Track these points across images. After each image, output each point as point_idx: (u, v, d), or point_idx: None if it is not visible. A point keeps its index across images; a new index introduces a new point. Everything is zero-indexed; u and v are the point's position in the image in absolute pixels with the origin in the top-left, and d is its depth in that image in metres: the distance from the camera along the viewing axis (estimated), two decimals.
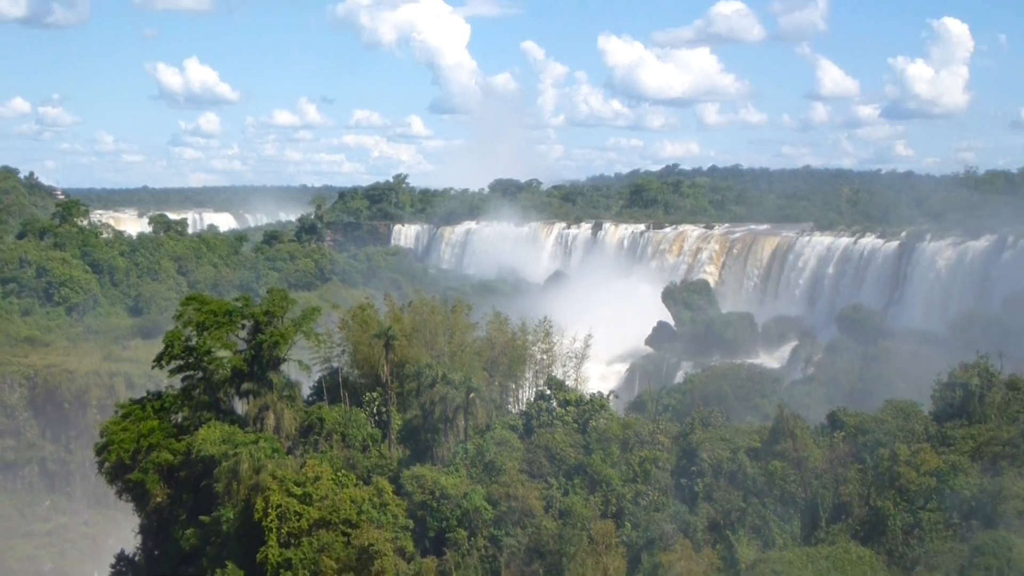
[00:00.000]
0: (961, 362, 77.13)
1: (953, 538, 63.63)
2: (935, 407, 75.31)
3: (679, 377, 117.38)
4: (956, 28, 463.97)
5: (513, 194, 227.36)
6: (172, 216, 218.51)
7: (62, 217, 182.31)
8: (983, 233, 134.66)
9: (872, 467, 67.45)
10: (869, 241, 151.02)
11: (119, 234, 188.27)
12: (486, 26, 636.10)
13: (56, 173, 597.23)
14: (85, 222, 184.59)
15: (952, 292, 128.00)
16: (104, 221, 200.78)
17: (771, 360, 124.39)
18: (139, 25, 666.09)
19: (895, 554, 63.84)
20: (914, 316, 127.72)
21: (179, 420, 69.63)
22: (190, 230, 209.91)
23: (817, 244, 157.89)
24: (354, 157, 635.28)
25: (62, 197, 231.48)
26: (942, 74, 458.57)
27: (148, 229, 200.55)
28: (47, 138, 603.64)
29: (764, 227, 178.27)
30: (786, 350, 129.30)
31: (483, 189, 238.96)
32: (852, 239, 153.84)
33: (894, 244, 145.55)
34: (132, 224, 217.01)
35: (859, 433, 70.23)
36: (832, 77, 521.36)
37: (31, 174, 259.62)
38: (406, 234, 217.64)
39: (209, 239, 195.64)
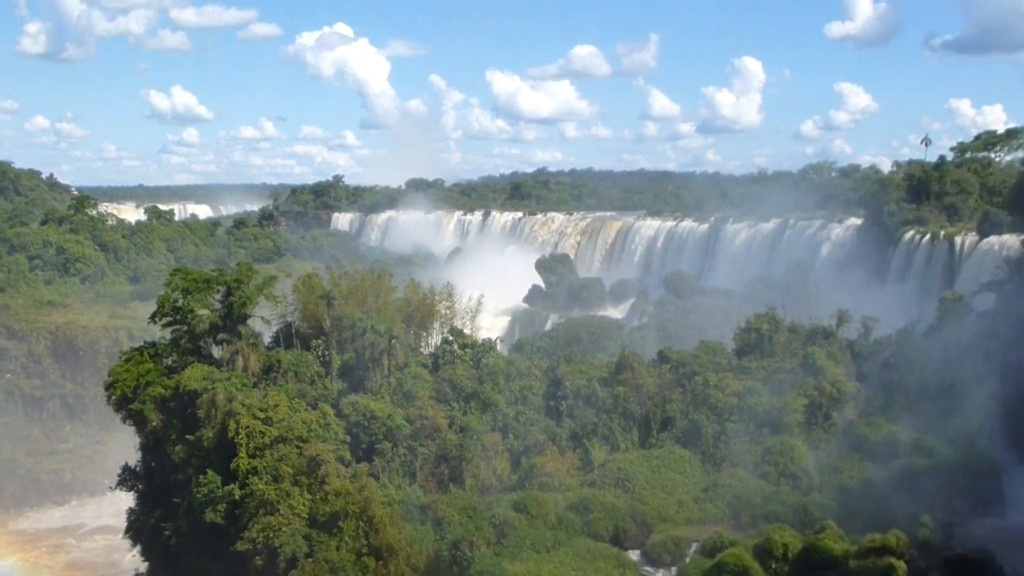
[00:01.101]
0: (755, 313, 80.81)
1: (750, 442, 67.32)
2: (736, 346, 78.61)
3: (548, 326, 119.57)
4: (752, 65, 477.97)
5: (423, 189, 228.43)
6: (162, 207, 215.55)
7: (76, 208, 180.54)
8: (771, 218, 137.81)
9: (690, 390, 70.78)
10: (687, 224, 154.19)
11: (121, 221, 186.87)
12: (402, 63, 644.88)
13: (70, 175, 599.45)
14: (94, 212, 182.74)
15: (748, 261, 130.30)
16: (109, 211, 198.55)
17: (616, 312, 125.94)
18: (135, 60, 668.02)
19: (708, 454, 67.45)
20: (720, 279, 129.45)
21: (169, 363, 70.07)
22: (176, 218, 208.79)
23: (649, 226, 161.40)
24: (302, 162, 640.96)
25: (75, 193, 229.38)
26: (741, 99, 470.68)
27: (143, 217, 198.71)
28: (63, 147, 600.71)
29: (610, 214, 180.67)
30: (627, 305, 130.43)
31: (400, 186, 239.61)
32: (675, 222, 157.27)
33: (705, 226, 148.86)
34: (131, 214, 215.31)
35: (680, 365, 73.50)
36: (660, 102, 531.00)
37: (51, 175, 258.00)
38: (342, 220, 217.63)
39: (191, 225, 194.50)
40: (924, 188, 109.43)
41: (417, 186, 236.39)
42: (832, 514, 57.13)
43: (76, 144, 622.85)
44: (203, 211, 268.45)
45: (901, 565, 49.05)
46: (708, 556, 54.40)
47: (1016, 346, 67.73)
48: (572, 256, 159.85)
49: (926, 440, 65.05)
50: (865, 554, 50.06)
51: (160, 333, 73.61)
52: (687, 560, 55.76)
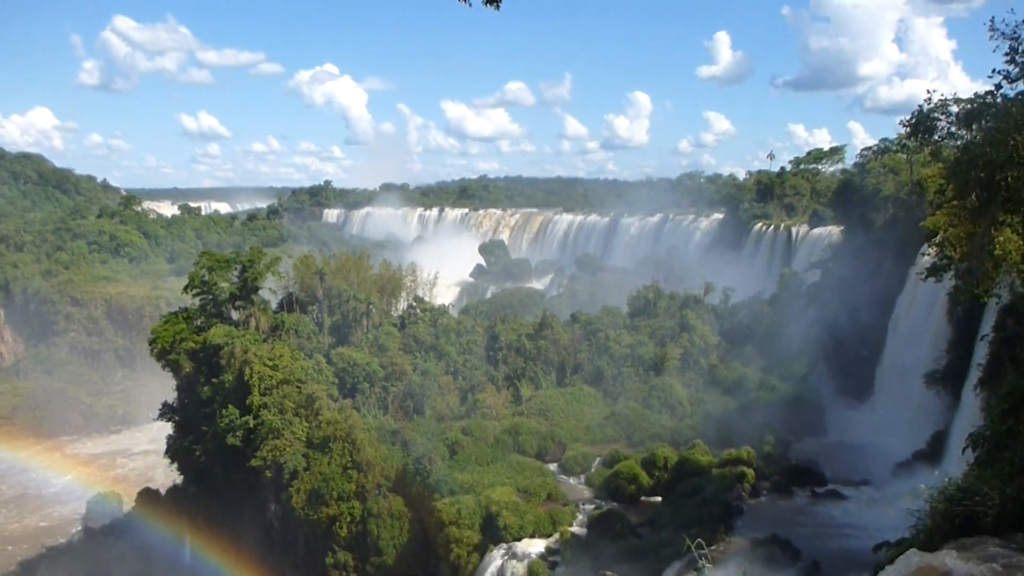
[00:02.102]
0: (643, 285, 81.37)
1: (639, 381, 67.58)
2: (629, 309, 78.92)
3: (488, 295, 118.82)
4: (642, 97, 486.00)
5: (393, 191, 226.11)
6: (192, 204, 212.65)
7: (124, 205, 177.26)
8: (656, 213, 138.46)
9: (595, 343, 71.08)
10: (593, 218, 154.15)
11: (159, 215, 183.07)
12: (376, 94, 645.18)
13: (120, 179, 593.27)
14: (138, 208, 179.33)
15: (638, 246, 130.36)
16: (150, 208, 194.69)
17: (539, 284, 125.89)
18: (170, 91, 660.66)
19: (608, 391, 67.54)
20: (618, 259, 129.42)
21: (198, 324, 69.57)
22: (203, 213, 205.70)
23: (564, 220, 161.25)
24: (300, 170, 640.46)
25: (124, 193, 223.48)
26: (634, 123, 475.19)
27: (177, 212, 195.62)
28: (113, 158, 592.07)
29: (535, 210, 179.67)
30: (547, 279, 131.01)
31: (375, 188, 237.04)
32: (583, 217, 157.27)
33: (606, 219, 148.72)
34: (167, 209, 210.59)
35: (588, 324, 73.61)
36: (572, 125, 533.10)
37: (104, 180, 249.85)
38: (331, 215, 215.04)
39: (214, 218, 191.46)
40: (769, 191, 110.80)
41: (388, 188, 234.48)
42: (700, 435, 57.99)
43: (124, 156, 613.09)
44: (224, 208, 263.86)
45: (750, 472, 50.05)
46: (608, 467, 55.05)
47: (835, 309, 69.10)
48: (506, 242, 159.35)
49: (769, 379, 66.24)
50: (724, 464, 50.96)
51: (191, 301, 72.82)
52: (592, 470, 56.24)
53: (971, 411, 41.00)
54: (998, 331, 41.65)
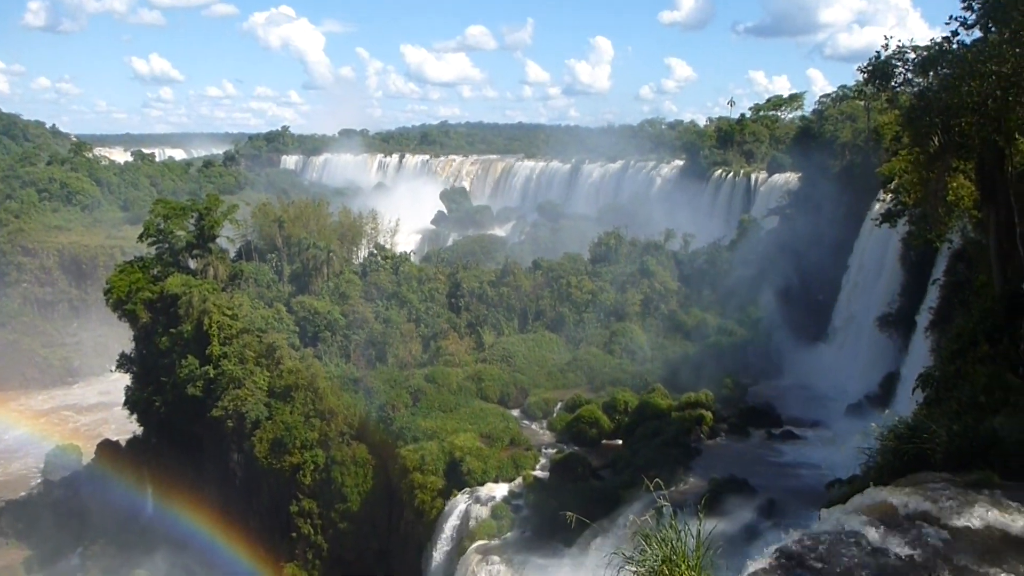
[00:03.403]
0: (604, 231, 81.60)
1: (600, 327, 68.37)
2: (590, 256, 79.05)
3: (450, 242, 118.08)
4: (603, 43, 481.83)
5: (352, 137, 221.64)
6: (145, 151, 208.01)
7: (75, 152, 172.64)
8: (617, 160, 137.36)
9: (556, 290, 71.31)
10: (554, 164, 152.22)
11: (112, 162, 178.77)
12: (334, 37, 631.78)
13: (69, 124, 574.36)
14: (90, 155, 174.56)
15: (600, 192, 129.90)
16: (102, 154, 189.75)
17: (501, 232, 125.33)
18: (120, 32, 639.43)
19: (569, 337, 68.32)
20: (579, 206, 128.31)
21: (155, 273, 68.35)
22: (157, 159, 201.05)
23: (526, 166, 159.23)
24: (257, 116, 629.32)
25: (74, 139, 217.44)
26: (595, 69, 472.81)
27: (130, 159, 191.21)
28: (62, 103, 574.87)
29: (496, 156, 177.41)
30: (509, 226, 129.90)
31: (334, 134, 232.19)
32: (545, 163, 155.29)
33: (568, 166, 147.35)
34: (120, 156, 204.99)
35: (549, 271, 73.86)
36: (534, 70, 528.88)
37: (53, 125, 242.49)
38: (289, 161, 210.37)
39: (169, 165, 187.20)
40: (729, 138, 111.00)
41: (347, 134, 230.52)
42: (659, 379, 58.86)
43: (73, 100, 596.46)
44: (178, 154, 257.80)
45: (709, 414, 51.00)
46: (569, 411, 55.72)
47: (792, 254, 69.90)
48: (468, 189, 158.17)
49: (728, 324, 67.09)
50: (683, 407, 51.80)
51: (146, 250, 71.70)
52: (554, 415, 56.90)
53: (922, 353, 42.02)
54: (949, 275, 42.60)
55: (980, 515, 8.04)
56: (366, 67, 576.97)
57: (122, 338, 77.53)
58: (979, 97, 19.49)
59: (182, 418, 62.72)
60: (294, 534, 55.86)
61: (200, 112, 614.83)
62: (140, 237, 71.86)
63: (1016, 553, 7.53)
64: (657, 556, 6.51)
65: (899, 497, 8.57)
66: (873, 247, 60.69)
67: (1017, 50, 18.34)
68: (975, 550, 7.55)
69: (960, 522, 7.96)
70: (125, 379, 71.25)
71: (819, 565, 7.24)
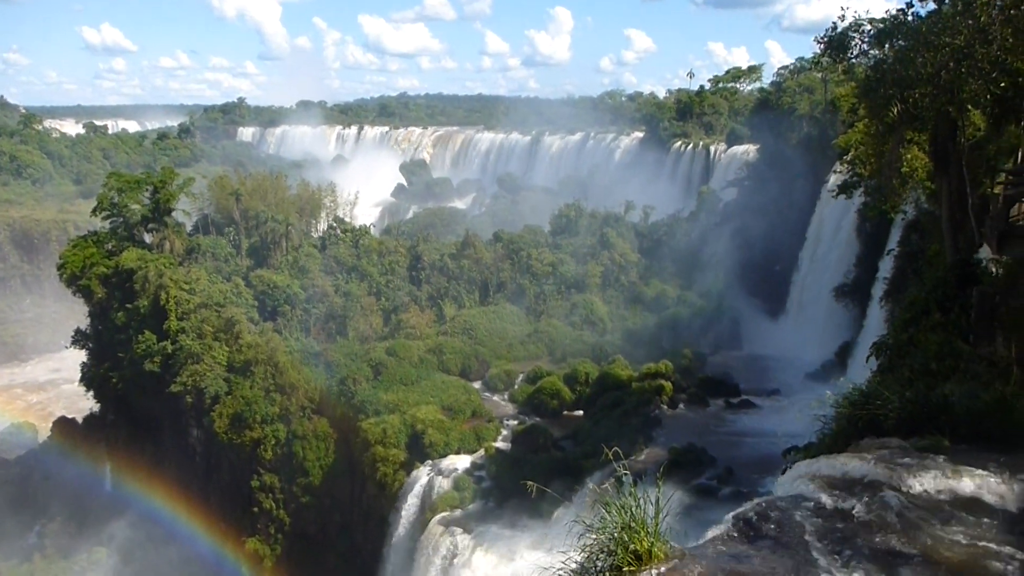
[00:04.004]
0: (565, 203, 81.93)
1: (561, 299, 68.54)
2: (551, 228, 79.35)
3: (410, 215, 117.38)
4: (563, 13, 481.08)
5: (310, 109, 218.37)
6: (97, 123, 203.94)
7: (24, 124, 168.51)
8: (577, 132, 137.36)
9: (517, 262, 71.17)
10: (514, 136, 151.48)
11: (63, 135, 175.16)
12: (291, 7, 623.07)
13: (18, 96, 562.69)
14: (40, 127, 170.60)
15: (560, 165, 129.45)
16: (52, 127, 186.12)
17: (461, 204, 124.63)
18: (70, 1, 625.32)
19: (530, 309, 68.45)
20: (539, 178, 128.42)
21: (109, 247, 67.44)
22: (109, 132, 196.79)
23: (485, 138, 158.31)
24: (212, 87, 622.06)
25: (23, 111, 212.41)
26: (555, 40, 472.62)
27: (82, 131, 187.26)
28: (11, 74, 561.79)
29: (456, 128, 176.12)
30: (469, 198, 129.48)
31: (292, 106, 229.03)
32: (505, 135, 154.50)
33: (528, 138, 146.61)
34: (71, 128, 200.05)
35: (510, 243, 73.48)
36: (493, 41, 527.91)
37: (1, 96, 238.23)
38: (246, 133, 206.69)
39: (122, 137, 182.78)
40: (688, 110, 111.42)
41: (305, 106, 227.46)
42: (620, 350, 59.38)
43: (22, 71, 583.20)
44: (132, 126, 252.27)
45: (668, 385, 51.45)
46: (531, 383, 56.06)
47: (751, 226, 70.60)
48: (427, 161, 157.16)
49: (687, 295, 67.82)
50: (643, 378, 52.20)
51: (100, 224, 70.56)
52: (516, 387, 57.18)
53: (877, 322, 42.76)
54: (903, 246, 43.30)
55: (931, 478, 8.23)
56: (323, 37, 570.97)
57: (77, 314, 76.40)
58: (933, 69, 19.68)
59: (140, 394, 62.13)
60: (256, 509, 55.71)
61: (154, 83, 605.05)
62: (94, 211, 70.70)
63: (966, 512, 7.74)
64: (617, 523, 6.59)
65: (853, 462, 8.73)
66: (830, 218, 61.49)
67: (970, 22, 18.52)
68: (928, 511, 7.73)
69: (912, 485, 8.14)
70: (80, 356, 70.31)
71: (775, 530, 7.36)
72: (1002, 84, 18.97)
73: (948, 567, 6.85)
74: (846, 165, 42.04)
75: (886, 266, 45.77)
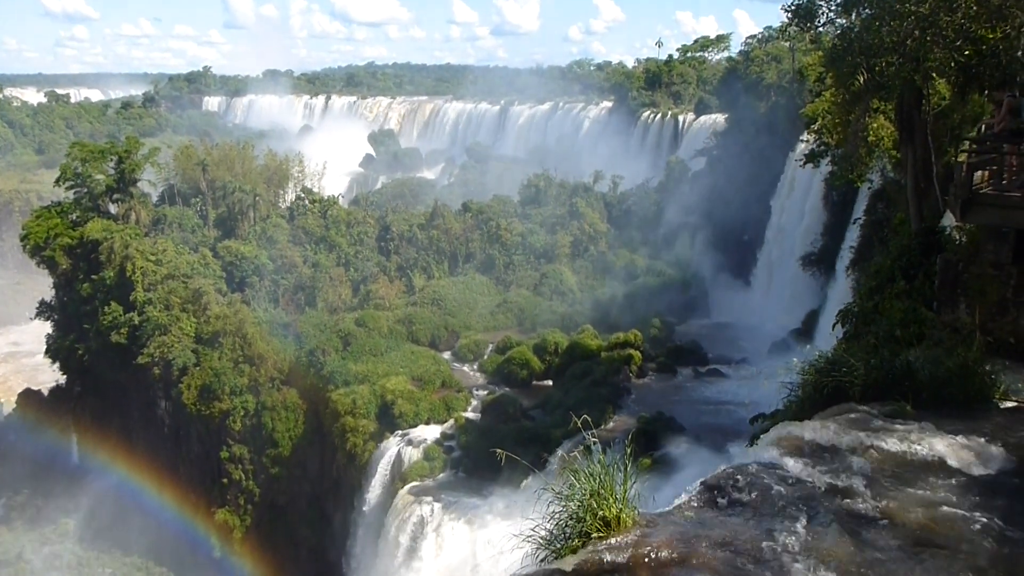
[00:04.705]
0: (534, 173, 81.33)
1: (530, 269, 68.46)
2: (520, 198, 78.74)
3: (378, 185, 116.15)
4: None
5: (276, 78, 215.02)
6: (60, 92, 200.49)
7: None
8: (546, 101, 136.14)
9: (486, 232, 70.76)
10: (483, 106, 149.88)
11: (24, 103, 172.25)
12: None
13: None
14: (1, 96, 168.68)
15: (529, 134, 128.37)
16: (13, 95, 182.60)
17: (430, 174, 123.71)
18: None
19: (500, 279, 68.16)
20: (508, 148, 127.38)
21: (74, 218, 66.77)
22: (72, 101, 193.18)
23: (454, 108, 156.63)
24: (177, 56, 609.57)
25: None
26: (524, 9, 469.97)
27: (44, 100, 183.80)
28: None
29: (424, 98, 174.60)
30: (438, 168, 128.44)
31: (258, 75, 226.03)
32: (474, 105, 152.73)
33: (497, 108, 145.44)
34: (33, 97, 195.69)
35: (479, 213, 72.92)
36: (462, 10, 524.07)
37: None
38: (211, 103, 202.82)
39: (85, 106, 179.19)
40: (657, 79, 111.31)
41: (272, 75, 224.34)
42: (589, 320, 59.47)
43: None
44: (95, 95, 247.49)
45: (637, 354, 51.82)
46: (500, 353, 56.06)
47: (719, 195, 70.91)
48: (396, 131, 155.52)
49: (656, 265, 68.01)
50: (612, 347, 52.51)
51: (64, 194, 69.70)
52: (485, 357, 57.23)
53: (843, 291, 43.22)
54: (869, 214, 43.71)
55: (896, 442, 8.33)
56: (289, 6, 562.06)
57: (40, 285, 75.47)
58: (898, 37, 19.76)
59: (107, 366, 61.56)
60: (225, 480, 55.65)
61: (117, 51, 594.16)
62: (57, 181, 69.92)
63: (928, 476, 7.86)
64: (585, 490, 6.60)
65: (819, 428, 8.81)
66: (797, 188, 61.90)
67: None
68: (891, 475, 7.83)
69: (877, 449, 8.24)
70: (45, 328, 69.53)
71: (743, 496, 7.42)
72: (966, 52, 19.09)
73: (912, 529, 6.94)
74: (813, 134, 42.25)
75: (852, 235, 46.20)
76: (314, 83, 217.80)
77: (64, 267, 65.06)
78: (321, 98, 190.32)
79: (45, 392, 70.01)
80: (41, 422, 66.91)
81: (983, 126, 21.40)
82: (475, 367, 56.85)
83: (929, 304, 18.04)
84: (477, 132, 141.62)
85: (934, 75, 21.39)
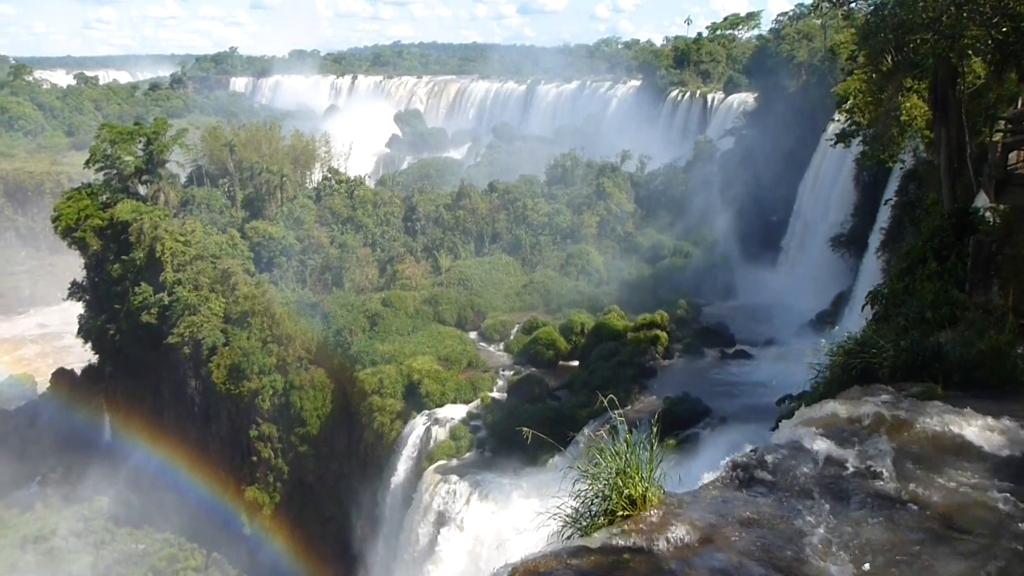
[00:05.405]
0: (560, 153, 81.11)
1: (556, 250, 68.33)
2: (546, 178, 78.53)
3: (404, 165, 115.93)
4: None
5: (303, 58, 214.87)
6: (88, 74, 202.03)
7: (14, 75, 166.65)
8: (572, 80, 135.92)
9: (512, 212, 70.92)
10: (510, 85, 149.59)
11: (54, 85, 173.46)
12: None
13: (6, 47, 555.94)
14: (30, 78, 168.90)
15: (556, 113, 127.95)
16: (43, 78, 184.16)
17: (456, 154, 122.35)
18: None
19: (526, 259, 68.27)
20: (535, 128, 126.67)
21: (103, 199, 67.31)
22: (100, 83, 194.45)
23: (480, 87, 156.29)
24: (204, 36, 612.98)
25: (13, 63, 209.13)
26: None
27: (73, 82, 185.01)
28: None
29: (451, 77, 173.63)
30: (464, 148, 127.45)
31: (285, 55, 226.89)
32: (500, 84, 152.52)
33: (523, 87, 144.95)
34: (62, 79, 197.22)
35: (505, 193, 72.97)
36: None
37: None
38: (238, 84, 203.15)
39: (114, 88, 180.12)
40: (686, 58, 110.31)
41: (298, 55, 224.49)
42: (615, 300, 59.22)
43: (9, 21, 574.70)
44: (123, 77, 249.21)
45: (664, 335, 51.67)
46: (526, 334, 56.02)
47: (747, 175, 70.35)
48: (422, 110, 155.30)
49: (683, 246, 67.62)
50: (638, 328, 52.35)
51: (94, 176, 70.30)
52: (511, 337, 57.29)
53: (872, 272, 42.78)
54: (901, 195, 43.14)
55: (924, 425, 8.27)
56: None
57: (72, 266, 76.39)
58: (933, 13, 19.43)
59: (137, 346, 62.36)
60: (254, 458, 56.27)
61: (144, 33, 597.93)
62: (87, 163, 70.53)
63: (957, 458, 7.80)
64: (611, 469, 6.62)
65: (847, 409, 8.77)
66: (827, 168, 61.22)
67: None
68: (920, 457, 7.78)
69: (905, 432, 8.19)
70: (77, 308, 70.45)
71: (770, 476, 7.41)
72: (1003, 29, 18.73)
73: (941, 512, 6.90)
74: (844, 113, 41.71)
75: (883, 216, 45.65)
76: (340, 63, 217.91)
77: (95, 248, 65.83)
78: (347, 78, 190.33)
79: (78, 372, 71.07)
80: (74, 401, 68.03)
81: (1019, 105, 21.05)
82: (501, 347, 56.93)
83: (961, 286, 17.83)
84: (503, 112, 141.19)
85: (970, 52, 21.01)
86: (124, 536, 59.25)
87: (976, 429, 8.23)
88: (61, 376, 71.22)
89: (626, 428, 7.01)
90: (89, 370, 69.97)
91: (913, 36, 20.33)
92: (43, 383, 74.08)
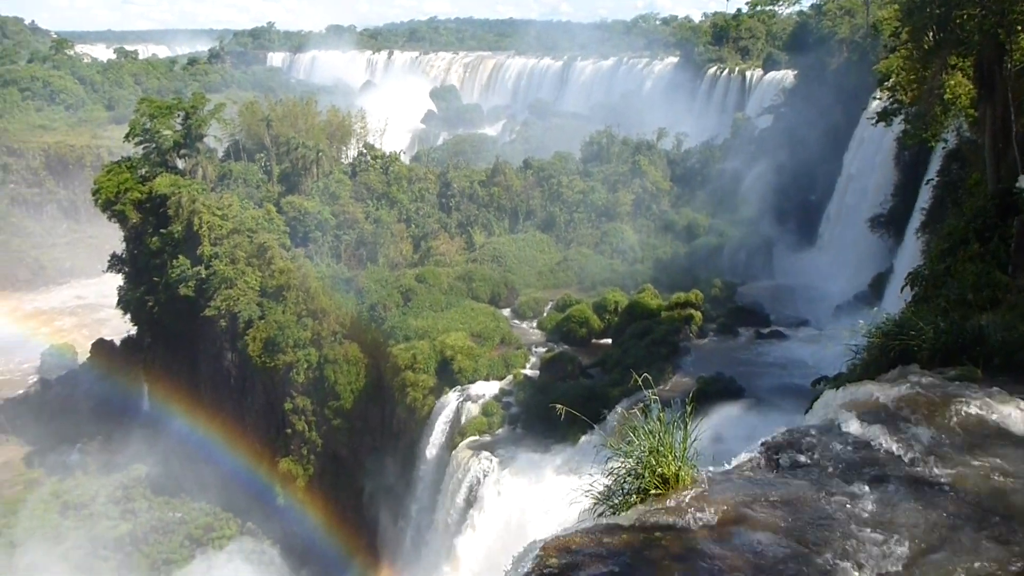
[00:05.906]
0: (596, 130, 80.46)
1: (591, 227, 68.12)
2: (582, 155, 77.87)
3: (440, 141, 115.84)
4: None
5: (340, 34, 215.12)
6: (128, 48, 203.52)
7: (56, 49, 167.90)
8: (609, 57, 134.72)
9: (547, 189, 70.81)
10: (546, 61, 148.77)
11: (95, 60, 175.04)
12: None
13: (49, 21, 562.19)
14: (71, 52, 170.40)
15: (592, 90, 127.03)
16: (84, 52, 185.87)
17: (492, 131, 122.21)
18: None
19: (560, 237, 68.09)
20: (570, 104, 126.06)
21: (143, 173, 67.65)
22: (140, 57, 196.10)
23: (516, 63, 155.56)
24: (241, 11, 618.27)
25: (55, 37, 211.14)
26: None
27: (113, 56, 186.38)
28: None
29: (487, 53, 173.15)
30: (499, 125, 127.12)
31: (322, 31, 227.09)
32: (536, 60, 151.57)
33: (559, 63, 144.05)
34: (102, 53, 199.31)
35: (540, 171, 72.86)
36: None
37: (32, 22, 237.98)
38: (275, 59, 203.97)
39: (153, 62, 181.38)
40: (724, 34, 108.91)
41: (335, 31, 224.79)
42: (650, 279, 58.89)
43: None
44: (162, 51, 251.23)
45: (698, 314, 51.30)
46: (560, 311, 55.96)
47: (786, 153, 69.49)
48: (458, 87, 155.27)
49: (718, 224, 67.11)
50: (672, 307, 51.94)
51: (133, 150, 70.80)
52: (544, 314, 57.30)
53: (912, 253, 42.18)
54: (943, 175, 42.43)
55: (962, 408, 8.15)
56: None
57: (112, 239, 77.37)
58: None
59: (175, 318, 63.05)
60: (289, 430, 56.94)
61: (183, 8, 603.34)
62: (126, 137, 71.02)
63: (997, 443, 7.68)
64: (644, 447, 6.61)
65: (883, 391, 8.66)
66: (867, 146, 60.27)
67: None
68: (958, 441, 7.68)
69: (943, 415, 8.07)
70: (116, 280, 71.40)
71: (804, 457, 7.36)
72: None
73: (980, 496, 6.82)
74: (886, 91, 40.98)
75: (924, 196, 44.91)
76: (376, 38, 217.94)
77: (134, 221, 66.38)
78: (383, 53, 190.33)
79: (117, 342, 72.21)
80: (113, 371, 69.18)
81: None
82: (534, 324, 56.93)
83: (1004, 268, 17.53)
84: (539, 88, 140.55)
85: (1019, 28, 20.53)
86: (161, 504, 60.29)
87: (1017, 413, 8.10)
88: (101, 346, 72.41)
89: (659, 407, 6.99)
90: (128, 341, 70.99)
91: (960, 11, 19.88)
92: (83, 354, 75.33)
